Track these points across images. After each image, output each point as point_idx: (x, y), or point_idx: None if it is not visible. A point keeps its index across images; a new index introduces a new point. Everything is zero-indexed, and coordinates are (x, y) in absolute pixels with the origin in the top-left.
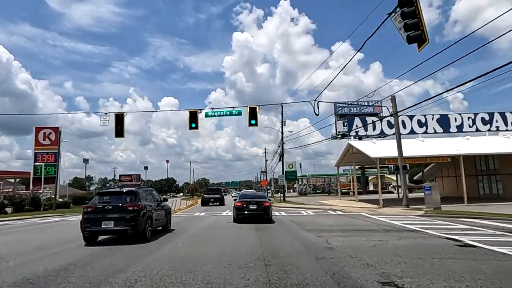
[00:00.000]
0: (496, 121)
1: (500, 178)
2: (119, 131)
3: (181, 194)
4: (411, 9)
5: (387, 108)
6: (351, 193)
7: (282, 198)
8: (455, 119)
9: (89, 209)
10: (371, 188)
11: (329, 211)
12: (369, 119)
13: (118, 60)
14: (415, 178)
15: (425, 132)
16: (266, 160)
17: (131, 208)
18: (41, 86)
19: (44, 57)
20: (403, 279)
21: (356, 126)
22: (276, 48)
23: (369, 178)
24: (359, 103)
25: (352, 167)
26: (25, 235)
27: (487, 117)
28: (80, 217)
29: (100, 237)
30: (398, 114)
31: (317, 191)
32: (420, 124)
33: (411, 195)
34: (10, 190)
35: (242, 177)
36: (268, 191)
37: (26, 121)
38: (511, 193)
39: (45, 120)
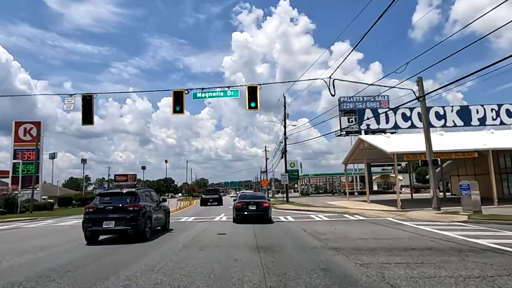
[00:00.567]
0: None
1: None
2: (87, 117)
3: (180, 194)
4: None
5: (413, 92)
6: (356, 193)
7: (285, 199)
8: (477, 111)
9: (91, 210)
10: (375, 188)
11: (346, 215)
12: (381, 111)
13: (118, 61)
14: (427, 177)
15: (444, 126)
16: (267, 159)
17: (131, 209)
18: (41, 86)
19: (43, 58)
20: None
21: (367, 118)
22: (275, 48)
23: (373, 178)
24: (364, 98)
25: (364, 164)
26: None
27: None
28: (51, 221)
29: (101, 237)
30: (425, 98)
31: (320, 191)
32: (439, 116)
33: (418, 196)
34: None
35: (242, 177)
36: (269, 191)
37: (22, 118)
38: None
39: (45, 120)
